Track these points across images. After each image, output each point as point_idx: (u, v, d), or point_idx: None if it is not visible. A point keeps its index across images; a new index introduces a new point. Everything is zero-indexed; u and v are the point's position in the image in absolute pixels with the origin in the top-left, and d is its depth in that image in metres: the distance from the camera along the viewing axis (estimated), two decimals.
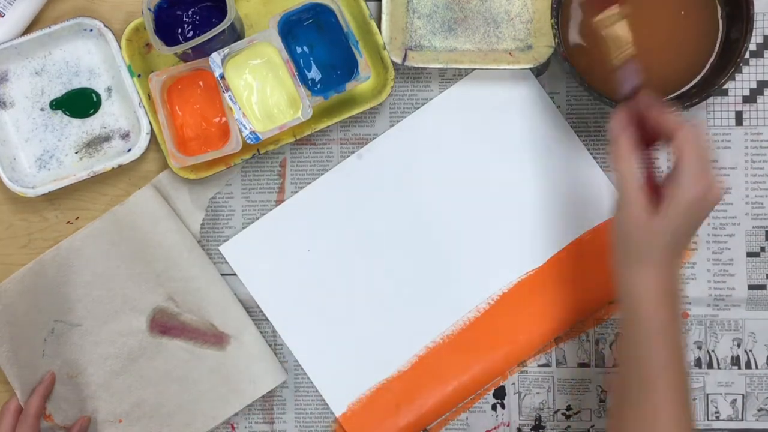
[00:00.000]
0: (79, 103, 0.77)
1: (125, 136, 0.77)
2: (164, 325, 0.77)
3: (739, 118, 0.78)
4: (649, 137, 0.63)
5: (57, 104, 0.77)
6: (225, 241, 0.78)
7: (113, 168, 0.75)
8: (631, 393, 0.62)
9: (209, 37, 0.69)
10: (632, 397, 0.62)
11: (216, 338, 0.77)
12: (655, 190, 0.62)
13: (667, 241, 0.60)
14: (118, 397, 0.77)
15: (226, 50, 0.72)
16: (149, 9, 0.71)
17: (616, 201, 0.63)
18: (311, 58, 0.76)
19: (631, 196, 0.61)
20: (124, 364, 0.77)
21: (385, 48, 0.75)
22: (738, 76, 0.78)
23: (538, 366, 0.79)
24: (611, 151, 0.63)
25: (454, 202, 0.78)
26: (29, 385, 0.76)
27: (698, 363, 0.78)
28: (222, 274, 0.78)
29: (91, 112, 0.77)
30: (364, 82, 0.73)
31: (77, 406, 0.76)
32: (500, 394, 0.79)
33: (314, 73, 0.76)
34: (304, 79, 0.75)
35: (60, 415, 0.76)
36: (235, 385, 0.77)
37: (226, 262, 0.78)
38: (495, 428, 0.79)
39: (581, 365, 0.79)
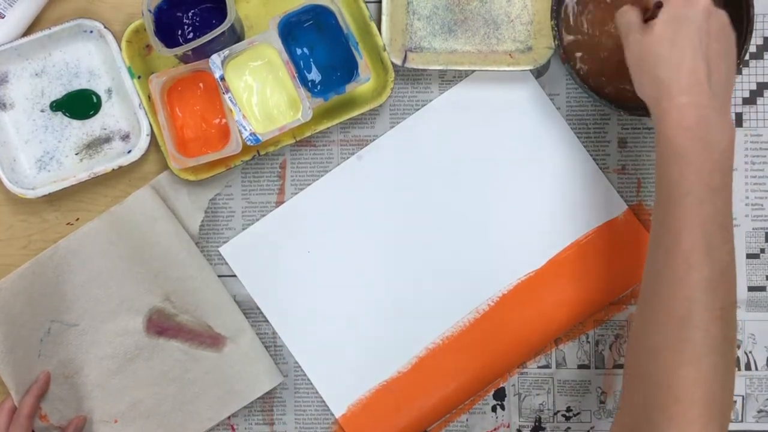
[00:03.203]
0: (79, 104, 0.77)
1: (125, 137, 0.77)
2: (161, 325, 0.77)
3: (739, 120, 0.78)
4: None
5: (57, 105, 0.77)
6: (225, 242, 0.78)
7: (113, 169, 0.75)
8: (656, 218, 0.61)
9: (209, 38, 0.69)
10: (657, 221, 0.61)
11: (212, 340, 0.77)
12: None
13: (667, 55, 0.61)
14: (114, 397, 0.77)
15: (226, 52, 0.72)
16: (149, 10, 0.71)
17: (623, 40, 0.65)
18: (311, 60, 0.76)
19: (631, 22, 0.64)
20: (120, 365, 0.77)
21: (385, 49, 0.75)
22: (738, 78, 0.78)
23: (538, 367, 0.79)
24: (616, 17, 0.67)
25: (453, 204, 0.78)
26: (24, 385, 0.75)
27: None
28: (222, 276, 0.78)
29: (91, 113, 0.77)
30: (364, 83, 0.73)
31: (73, 406, 0.76)
32: (500, 395, 0.79)
33: (314, 75, 0.76)
34: (304, 81, 0.75)
35: (56, 415, 0.76)
36: (231, 386, 0.77)
37: (226, 264, 0.78)
38: (495, 429, 0.79)
39: (581, 367, 0.79)
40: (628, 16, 0.65)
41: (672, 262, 0.59)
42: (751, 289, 0.78)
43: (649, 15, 0.64)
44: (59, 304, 0.76)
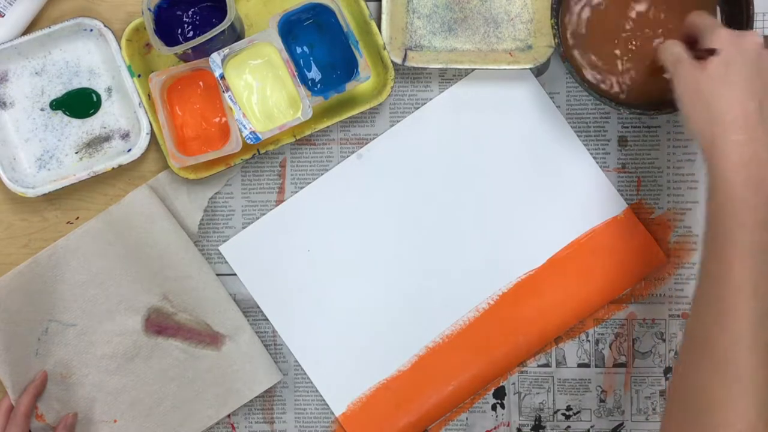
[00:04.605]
0: (79, 103, 0.77)
1: (125, 136, 0.77)
2: (159, 324, 0.77)
3: None
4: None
5: (57, 104, 0.77)
6: (225, 241, 0.78)
7: (113, 168, 0.75)
8: (707, 249, 0.61)
9: (209, 37, 0.69)
10: (706, 294, 0.61)
11: (211, 338, 0.77)
12: None
13: (721, 93, 0.62)
14: (114, 397, 0.77)
15: (226, 50, 0.72)
16: (149, 9, 0.71)
17: (673, 74, 0.65)
18: (311, 58, 0.76)
19: (681, 56, 0.65)
20: (119, 364, 0.77)
21: (385, 48, 0.75)
22: None
23: (538, 366, 0.79)
24: (662, 53, 0.67)
25: (453, 202, 0.78)
26: (21, 384, 0.75)
27: None
28: (222, 274, 0.78)
29: (91, 112, 0.77)
30: (364, 82, 0.73)
31: (70, 406, 0.76)
32: (500, 394, 0.79)
33: (314, 73, 0.76)
34: (304, 79, 0.75)
35: (52, 415, 0.76)
36: (230, 384, 0.77)
37: (226, 262, 0.78)
38: (495, 428, 0.79)
39: (581, 365, 0.79)
40: (676, 49, 0.66)
41: (721, 292, 0.59)
42: None
43: (698, 54, 0.65)
44: (57, 303, 0.76)
